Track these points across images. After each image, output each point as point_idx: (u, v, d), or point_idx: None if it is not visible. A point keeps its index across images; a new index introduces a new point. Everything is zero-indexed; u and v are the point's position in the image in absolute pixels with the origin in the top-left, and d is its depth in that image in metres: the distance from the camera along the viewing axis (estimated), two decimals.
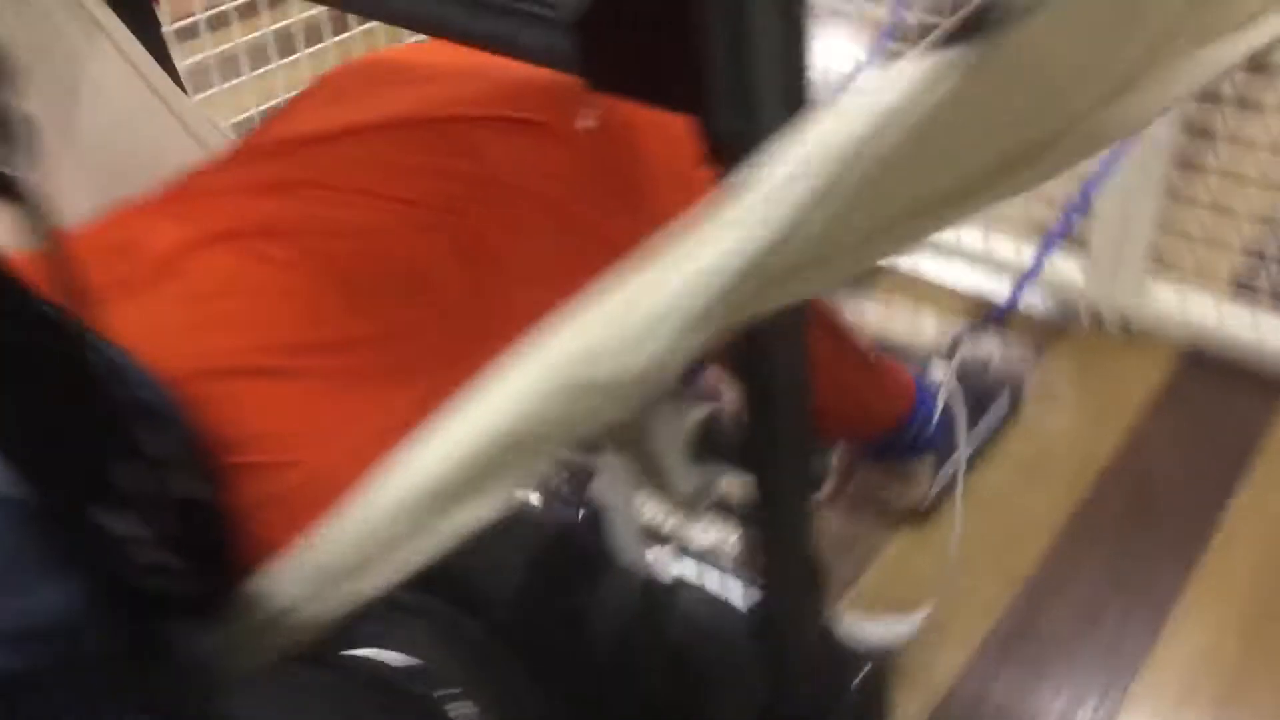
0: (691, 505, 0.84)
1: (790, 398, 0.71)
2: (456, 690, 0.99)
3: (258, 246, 0.62)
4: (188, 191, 0.70)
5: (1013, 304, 1.86)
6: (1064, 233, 1.83)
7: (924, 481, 1.17)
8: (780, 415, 0.74)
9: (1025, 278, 1.85)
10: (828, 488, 1.13)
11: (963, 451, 1.14)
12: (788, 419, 0.75)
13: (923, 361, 1.10)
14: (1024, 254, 1.86)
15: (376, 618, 1.07)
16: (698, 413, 0.85)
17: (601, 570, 0.96)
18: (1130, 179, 1.67)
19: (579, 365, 0.37)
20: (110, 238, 0.65)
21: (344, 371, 0.41)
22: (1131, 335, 1.79)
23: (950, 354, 1.23)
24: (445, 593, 1.10)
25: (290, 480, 0.53)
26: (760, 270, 0.34)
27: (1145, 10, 0.44)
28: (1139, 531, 1.49)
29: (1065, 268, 1.82)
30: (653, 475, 0.85)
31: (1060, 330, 1.83)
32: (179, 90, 0.88)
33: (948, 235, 1.89)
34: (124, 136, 0.83)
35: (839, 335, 0.92)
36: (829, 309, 0.92)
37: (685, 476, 0.81)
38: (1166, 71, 0.47)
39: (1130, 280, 1.77)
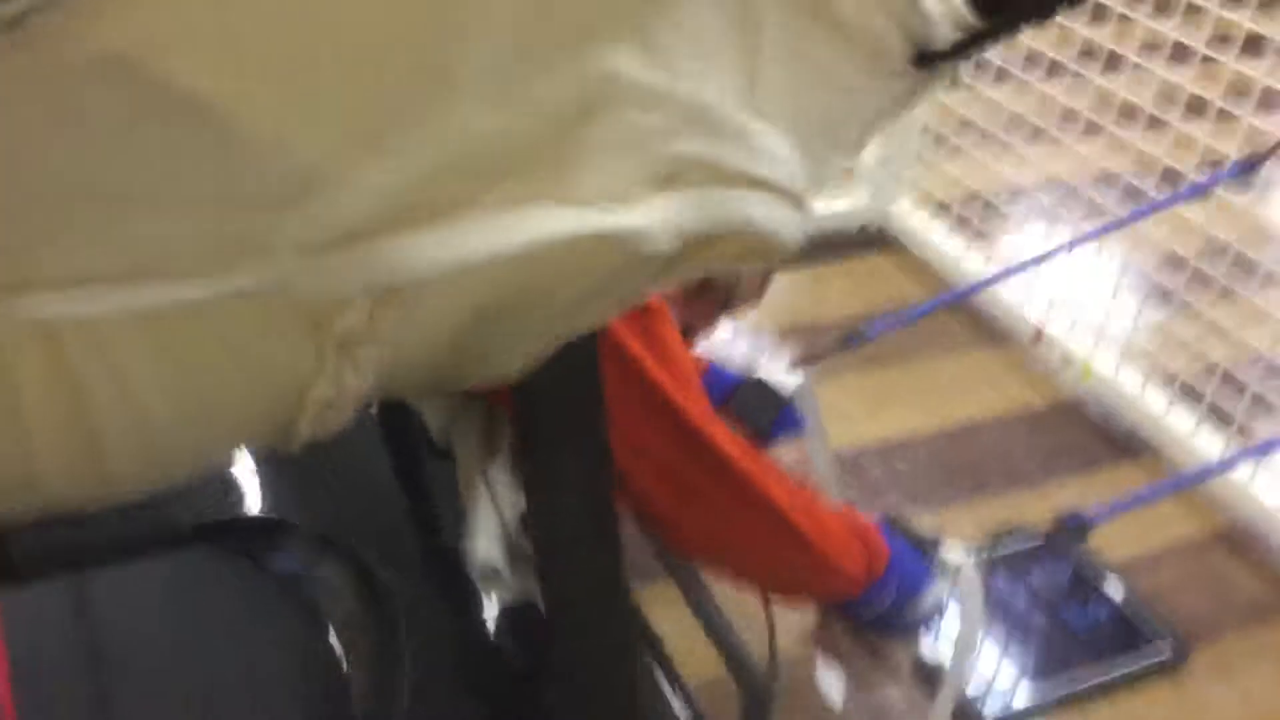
0: (490, 579, 0.83)
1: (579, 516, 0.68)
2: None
3: None
4: None
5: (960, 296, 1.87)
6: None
7: (898, 662, 1.07)
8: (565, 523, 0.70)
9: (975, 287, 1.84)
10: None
11: (960, 669, 1.03)
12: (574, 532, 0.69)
13: (931, 537, 1.00)
14: None
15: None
16: None
17: None
18: None
19: None
20: None
21: None
22: None
23: (985, 548, 1.10)
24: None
25: None
26: None
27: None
28: None
29: None
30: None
31: None
32: None
33: None
34: None
35: (754, 504, 0.84)
36: (751, 481, 0.83)
37: (489, 547, 0.81)
38: (495, 215, 0.41)
39: None
